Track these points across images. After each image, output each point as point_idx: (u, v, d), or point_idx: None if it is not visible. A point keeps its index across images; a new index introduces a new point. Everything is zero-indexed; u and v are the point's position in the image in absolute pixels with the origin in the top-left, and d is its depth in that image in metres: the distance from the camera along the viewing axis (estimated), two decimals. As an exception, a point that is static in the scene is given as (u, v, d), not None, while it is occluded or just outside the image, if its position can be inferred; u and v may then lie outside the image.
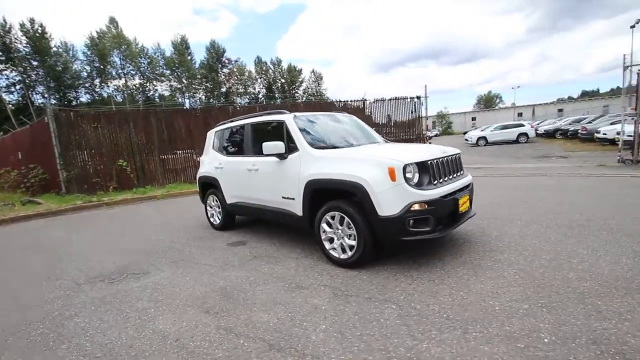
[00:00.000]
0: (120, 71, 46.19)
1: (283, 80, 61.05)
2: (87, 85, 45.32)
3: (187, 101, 50.77)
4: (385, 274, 2.98)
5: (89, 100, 43.92)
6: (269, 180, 3.95)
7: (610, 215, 4.12)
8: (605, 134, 13.81)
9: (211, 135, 5.29)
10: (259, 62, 59.06)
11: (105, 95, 45.95)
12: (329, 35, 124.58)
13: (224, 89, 55.27)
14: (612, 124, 18.07)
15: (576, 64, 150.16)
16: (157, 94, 49.10)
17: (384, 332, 2.12)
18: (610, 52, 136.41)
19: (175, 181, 11.02)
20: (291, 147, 3.68)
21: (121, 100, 45.33)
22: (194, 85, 52.39)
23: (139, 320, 2.55)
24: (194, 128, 11.22)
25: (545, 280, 2.61)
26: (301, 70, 62.21)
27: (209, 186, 5.21)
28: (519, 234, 3.76)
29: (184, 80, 51.49)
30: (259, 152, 4.18)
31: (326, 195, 3.34)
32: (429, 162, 3.05)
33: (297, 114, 3.98)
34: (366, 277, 2.95)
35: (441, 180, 3.13)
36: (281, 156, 3.71)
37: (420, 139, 13.14)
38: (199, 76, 52.80)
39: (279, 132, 3.96)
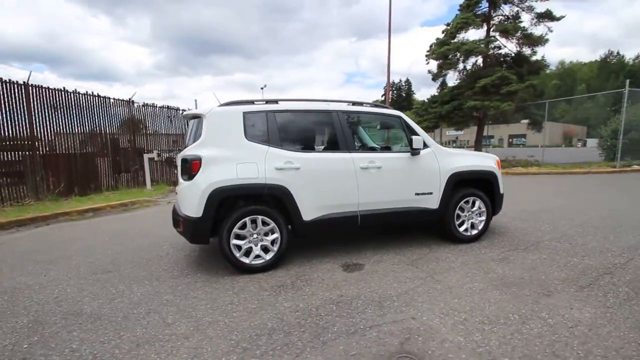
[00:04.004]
0: None
1: None
2: None
3: None
4: (491, 240, 4.24)
5: None
6: (398, 178, 3.61)
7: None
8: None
9: (232, 117, 3.17)
10: None
11: None
12: None
13: None
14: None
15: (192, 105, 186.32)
16: None
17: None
18: (214, 102, 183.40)
19: None
20: (412, 142, 3.74)
21: None
22: None
23: None
24: None
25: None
26: None
27: (245, 201, 3.13)
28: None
29: None
30: (368, 146, 3.66)
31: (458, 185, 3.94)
32: None
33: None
34: (499, 241, 4.07)
35: None
36: (415, 152, 3.64)
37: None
38: None
39: (390, 126, 3.76)
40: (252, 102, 3.38)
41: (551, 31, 14.52)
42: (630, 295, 2.55)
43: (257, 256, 3.19)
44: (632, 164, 11.91)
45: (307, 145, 3.44)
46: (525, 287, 2.77)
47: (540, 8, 14.44)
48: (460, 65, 16.71)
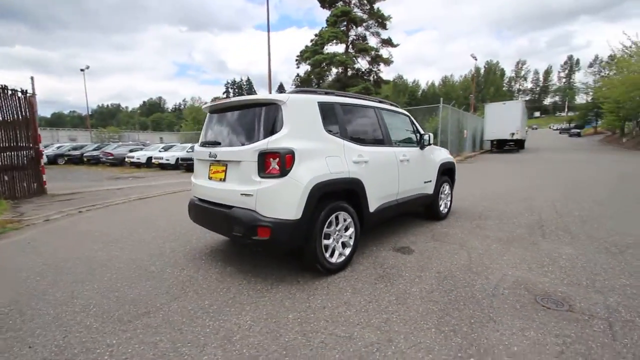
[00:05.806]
0: None
1: None
2: None
3: None
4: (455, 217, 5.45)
5: None
6: (416, 169, 4.16)
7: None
8: (162, 158, 16.85)
9: (311, 106, 2.89)
10: None
11: None
12: None
13: None
14: (131, 151, 21.47)
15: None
16: None
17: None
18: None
19: None
20: (416, 138, 4.42)
21: None
22: None
23: None
24: None
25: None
26: None
27: (334, 197, 2.93)
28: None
29: None
30: (396, 141, 4.08)
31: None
32: None
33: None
34: (458, 215, 5.27)
35: None
36: (424, 146, 4.30)
37: (35, 152, 8.49)
38: None
39: (404, 124, 4.27)
40: (314, 92, 3.13)
41: (392, 55, 18.59)
42: (592, 240, 4.04)
43: (340, 254, 3.05)
44: (445, 158, 16.95)
45: (364, 138, 3.48)
46: (524, 240, 3.87)
47: (384, 35, 18.19)
48: (326, 73, 18.94)
